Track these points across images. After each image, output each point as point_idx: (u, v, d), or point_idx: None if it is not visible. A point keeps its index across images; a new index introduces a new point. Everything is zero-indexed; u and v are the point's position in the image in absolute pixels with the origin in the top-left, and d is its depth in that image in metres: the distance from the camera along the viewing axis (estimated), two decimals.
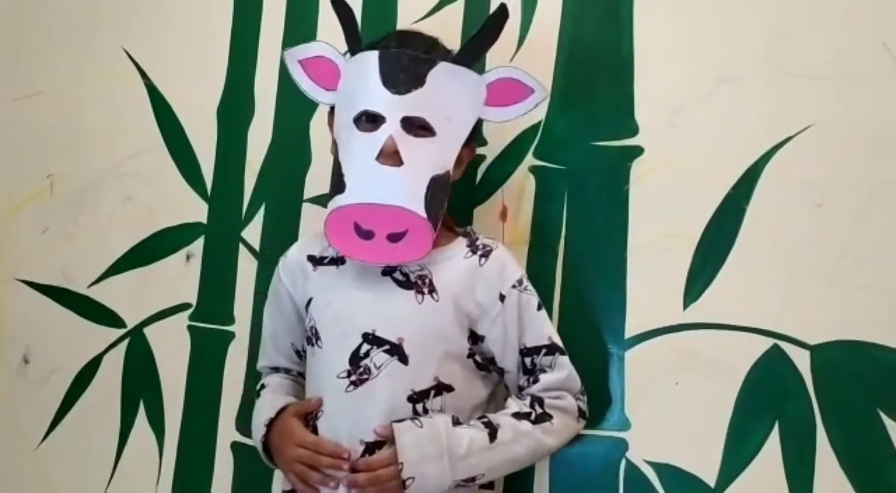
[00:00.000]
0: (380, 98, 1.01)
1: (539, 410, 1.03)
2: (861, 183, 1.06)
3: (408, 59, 1.02)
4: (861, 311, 1.04)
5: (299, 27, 1.40)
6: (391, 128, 1.00)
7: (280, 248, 1.34)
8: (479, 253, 1.07)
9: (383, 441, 0.99)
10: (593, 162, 1.18)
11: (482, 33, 1.05)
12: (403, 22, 1.31)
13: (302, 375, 1.17)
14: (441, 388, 1.01)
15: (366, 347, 1.02)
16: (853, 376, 1.03)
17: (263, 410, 1.11)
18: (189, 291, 1.41)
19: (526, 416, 1.02)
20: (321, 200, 1.33)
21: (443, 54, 1.07)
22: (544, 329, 1.07)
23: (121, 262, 1.47)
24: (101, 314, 1.47)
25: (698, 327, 1.10)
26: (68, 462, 1.46)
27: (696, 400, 1.09)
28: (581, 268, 1.13)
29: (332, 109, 1.11)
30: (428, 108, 1.02)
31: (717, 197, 1.11)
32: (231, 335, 1.37)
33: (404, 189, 0.99)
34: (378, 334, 1.02)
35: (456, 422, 1.00)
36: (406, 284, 1.05)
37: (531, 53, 1.21)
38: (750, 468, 1.05)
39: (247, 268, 1.38)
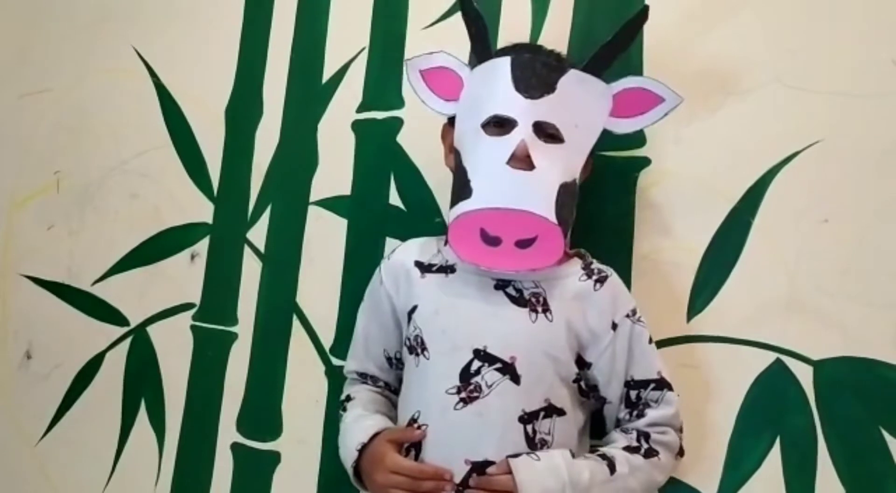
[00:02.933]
0: (512, 102, 0.99)
1: (646, 445, 1.00)
2: (867, 200, 1.06)
3: (540, 65, 1.00)
4: (865, 328, 1.04)
5: (310, 29, 1.40)
6: (523, 132, 0.97)
7: (285, 250, 1.36)
8: (595, 278, 1.04)
9: (492, 462, 0.95)
10: (600, 172, 1.18)
11: (616, 39, 1.02)
12: (413, 27, 1.32)
13: (388, 386, 1.15)
14: (551, 410, 0.98)
15: (476, 363, 0.98)
16: (855, 393, 1.03)
17: (354, 432, 1.05)
18: (193, 290, 1.41)
19: (636, 450, 0.99)
20: (327, 203, 1.34)
21: (570, 63, 1.06)
22: (654, 363, 1.03)
23: (125, 260, 1.48)
24: (105, 312, 1.47)
25: (701, 339, 1.10)
26: (68, 459, 1.47)
27: (698, 413, 1.09)
28: None
29: (450, 121, 1.10)
30: (558, 114, 0.99)
31: (723, 210, 1.11)
32: (234, 336, 1.37)
33: (535, 194, 0.95)
34: (489, 350, 0.99)
35: (572, 455, 0.98)
36: (520, 300, 1.01)
37: None
38: (750, 483, 1.05)
39: (251, 269, 1.38)
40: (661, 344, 1.12)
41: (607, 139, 1.15)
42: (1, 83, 1.63)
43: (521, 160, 0.96)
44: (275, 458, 1.31)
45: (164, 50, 1.52)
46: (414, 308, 1.07)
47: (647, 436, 1.01)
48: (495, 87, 1.00)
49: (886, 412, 1.02)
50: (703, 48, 1.16)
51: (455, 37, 1.16)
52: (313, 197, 1.35)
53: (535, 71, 1.00)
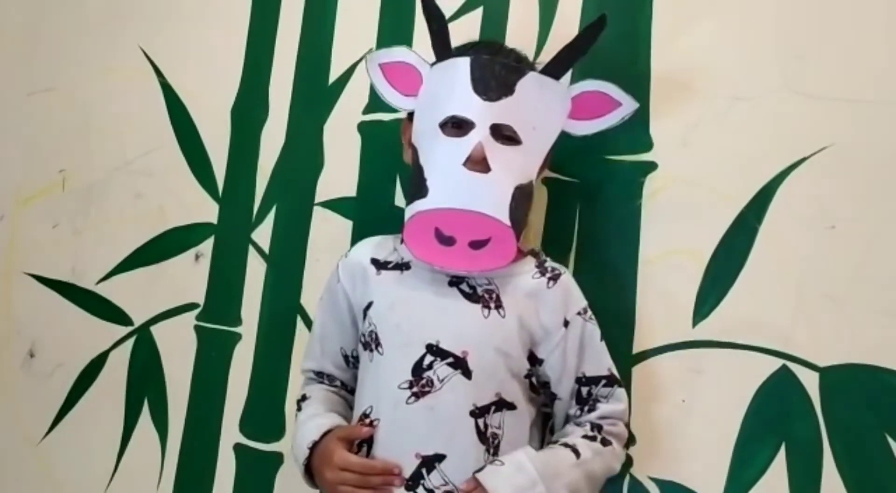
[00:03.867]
0: (470, 104, 0.99)
1: (600, 435, 1.02)
2: (874, 206, 1.06)
3: (499, 67, 1.01)
4: (871, 334, 1.03)
5: (316, 30, 1.40)
6: (480, 134, 0.98)
7: (289, 251, 1.36)
8: (548, 276, 1.05)
9: (442, 456, 0.97)
10: (606, 176, 1.18)
11: (575, 43, 1.03)
12: (421, 28, 1.31)
13: (345, 385, 1.15)
14: (502, 405, 1.00)
15: (429, 358, 1.00)
16: (861, 400, 1.03)
17: (306, 430, 1.06)
18: (197, 291, 1.41)
19: (593, 439, 1.02)
20: (332, 204, 1.34)
21: (530, 65, 1.07)
22: (604, 360, 1.06)
23: (130, 259, 1.48)
24: (109, 311, 1.47)
25: (707, 345, 1.10)
26: (70, 458, 1.47)
27: (703, 418, 1.09)
28: (591, 282, 1.12)
29: (410, 116, 1.10)
30: (515, 116, 1.00)
31: (730, 215, 1.11)
32: (237, 337, 1.37)
33: (490, 196, 0.97)
34: (442, 345, 1.00)
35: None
36: (473, 296, 1.03)
37: None
38: (755, 489, 1.05)
39: (255, 270, 1.38)
40: (666, 349, 1.12)
41: (613, 143, 1.15)
42: (7, 82, 1.63)
43: (478, 162, 0.98)
44: (277, 459, 1.31)
45: (171, 50, 1.52)
46: (369, 305, 1.07)
47: (599, 427, 1.03)
48: (454, 87, 1.01)
49: (892, 419, 1.01)
50: (712, 53, 1.15)
51: (462, 39, 1.16)
52: (318, 198, 1.35)
53: (494, 73, 1.00)
